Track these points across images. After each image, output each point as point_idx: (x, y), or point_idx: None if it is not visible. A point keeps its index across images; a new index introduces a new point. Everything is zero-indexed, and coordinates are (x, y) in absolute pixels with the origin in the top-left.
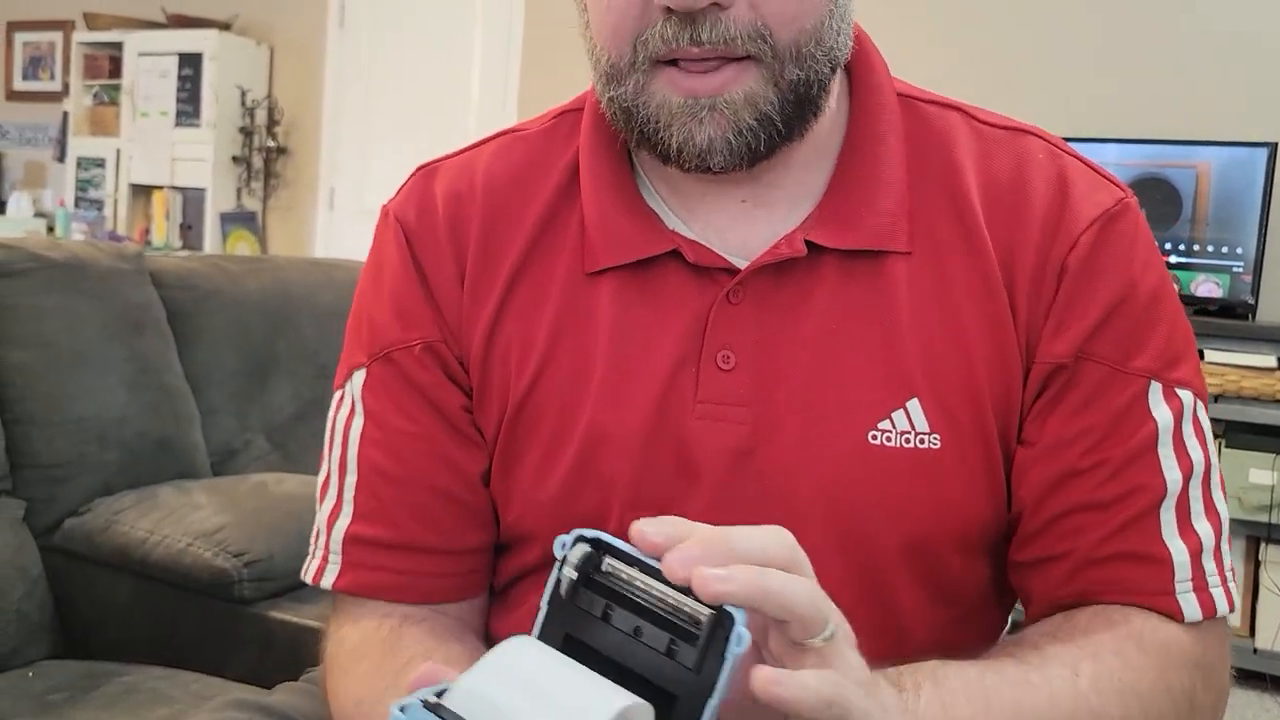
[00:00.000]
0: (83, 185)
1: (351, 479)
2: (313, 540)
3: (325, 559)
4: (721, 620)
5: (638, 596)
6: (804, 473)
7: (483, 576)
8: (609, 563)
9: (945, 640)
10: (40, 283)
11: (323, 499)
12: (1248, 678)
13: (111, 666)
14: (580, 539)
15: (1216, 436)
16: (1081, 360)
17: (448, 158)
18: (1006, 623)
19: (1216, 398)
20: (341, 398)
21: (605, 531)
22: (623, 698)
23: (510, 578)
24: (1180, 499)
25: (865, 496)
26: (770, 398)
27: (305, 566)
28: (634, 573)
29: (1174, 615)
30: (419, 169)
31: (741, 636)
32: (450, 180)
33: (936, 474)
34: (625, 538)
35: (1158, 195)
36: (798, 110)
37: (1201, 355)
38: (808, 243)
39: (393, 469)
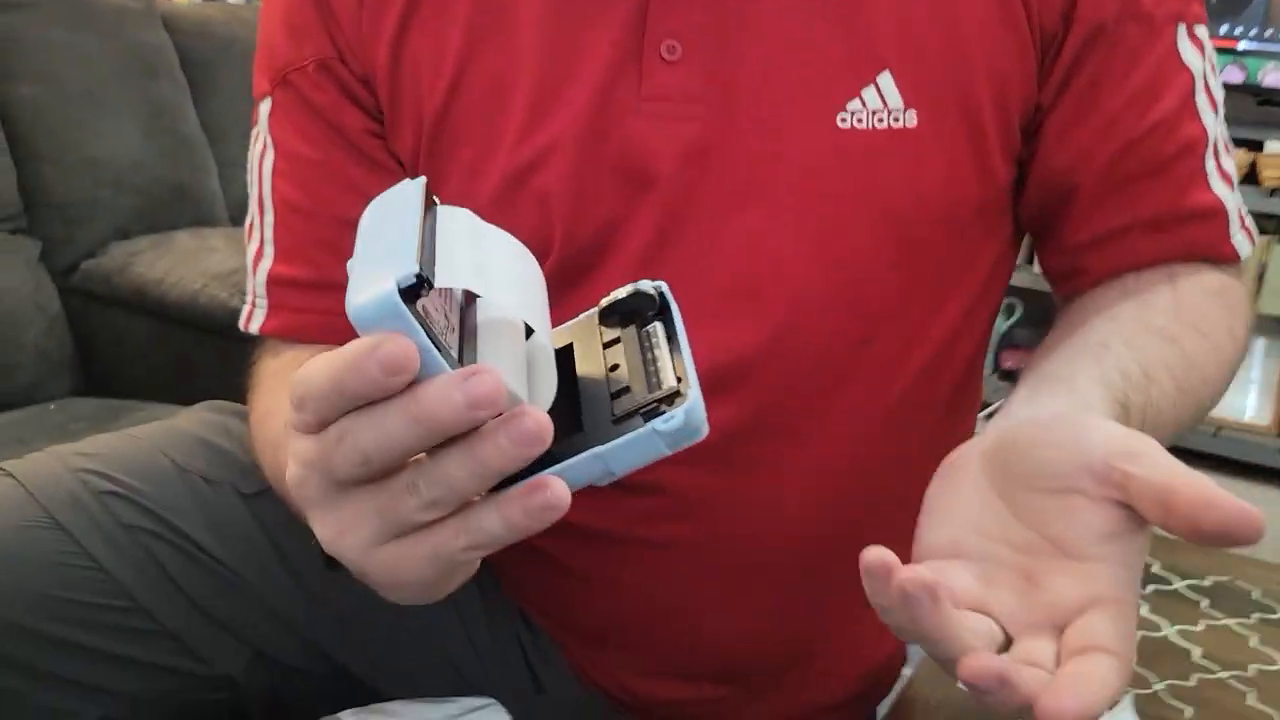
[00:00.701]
0: None
1: (269, 217)
2: (246, 285)
3: (253, 304)
4: (676, 398)
5: (643, 353)
6: (769, 168)
7: None
8: (655, 325)
9: (927, 327)
10: (46, 16)
11: (249, 241)
12: (1275, 477)
13: (131, 403)
14: (655, 289)
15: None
16: (1123, 20)
17: None
18: (997, 307)
19: (1274, 191)
20: (256, 134)
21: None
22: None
23: None
24: (1214, 142)
25: (839, 186)
26: (725, 89)
27: (241, 315)
28: (661, 341)
29: (1232, 260)
30: None
31: (672, 418)
32: None
33: (915, 154)
34: (577, 262)
35: None
36: None
37: (1260, 147)
38: None
39: (302, 201)
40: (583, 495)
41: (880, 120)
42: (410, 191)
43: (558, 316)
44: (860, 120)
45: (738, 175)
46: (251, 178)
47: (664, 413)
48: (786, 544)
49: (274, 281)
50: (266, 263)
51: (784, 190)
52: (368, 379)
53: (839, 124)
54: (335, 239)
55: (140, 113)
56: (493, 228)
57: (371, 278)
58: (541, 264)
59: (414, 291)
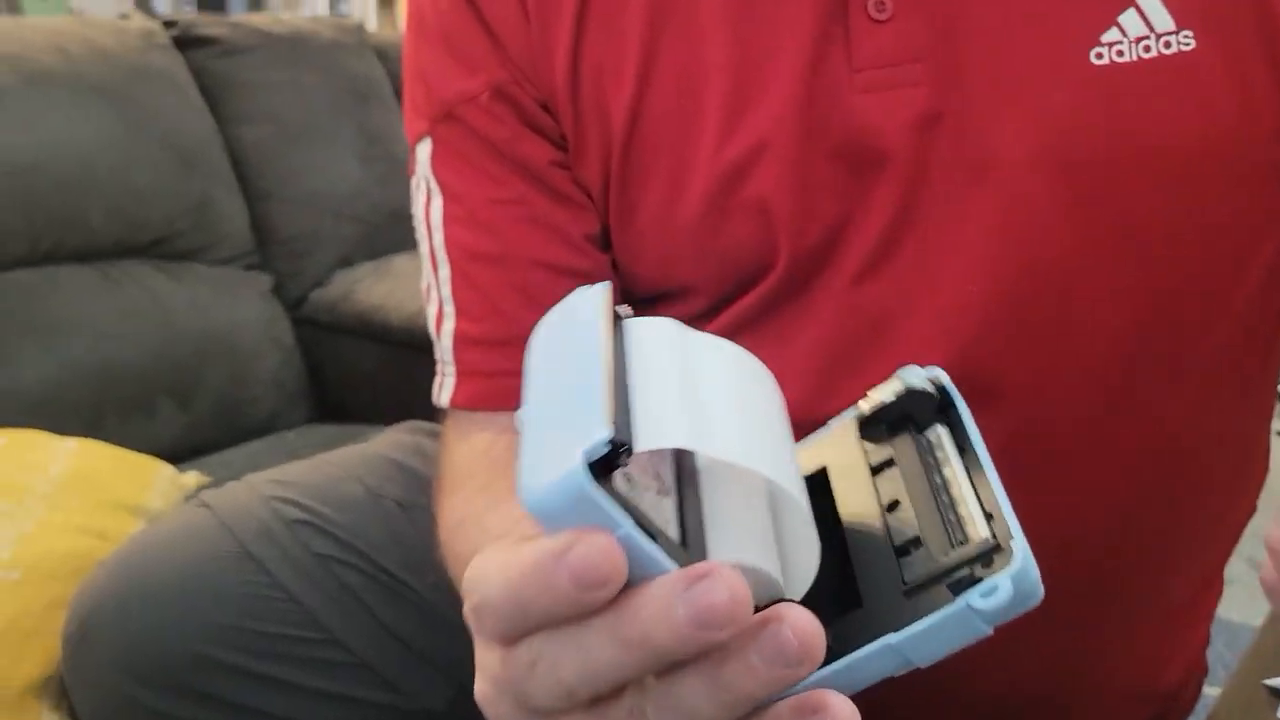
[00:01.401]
0: (334, 1)
1: (445, 271)
2: (436, 358)
3: (442, 371)
4: (994, 554)
5: (929, 477)
6: (1013, 125)
7: None
8: (936, 431)
9: (1228, 300)
10: (265, 58)
11: (428, 304)
12: None
13: (362, 427)
14: (931, 381)
15: None
16: None
17: None
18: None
19: None
20: (417, 182)
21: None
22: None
23: None
24: None
25: (1103, 137)
26: (950, 41)
27: (433, 390)
28: (951, 457)
29: None
30: None
31: (995, 589)
32: None
33: (1197, 83)
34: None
35: None
36: None
37: None
38: None
39: (484, 247)
40: None
41: (1147, 48)
42: (588, 306)
43: (774, 347)
44: (1121, 52)
45: (979, 142)
46: (420, 231)
47: (980, 580)
48: (1066, 569)
49: (461, 342)
50: (450, 323)
51: (1035, 151)
52: (558, 594)
53: (1094, 60)
54: (527, 285)
55: (355, 142)
56: (703, 336)
57: (549, 449)
58: (762, 282)
59: (608, 463)
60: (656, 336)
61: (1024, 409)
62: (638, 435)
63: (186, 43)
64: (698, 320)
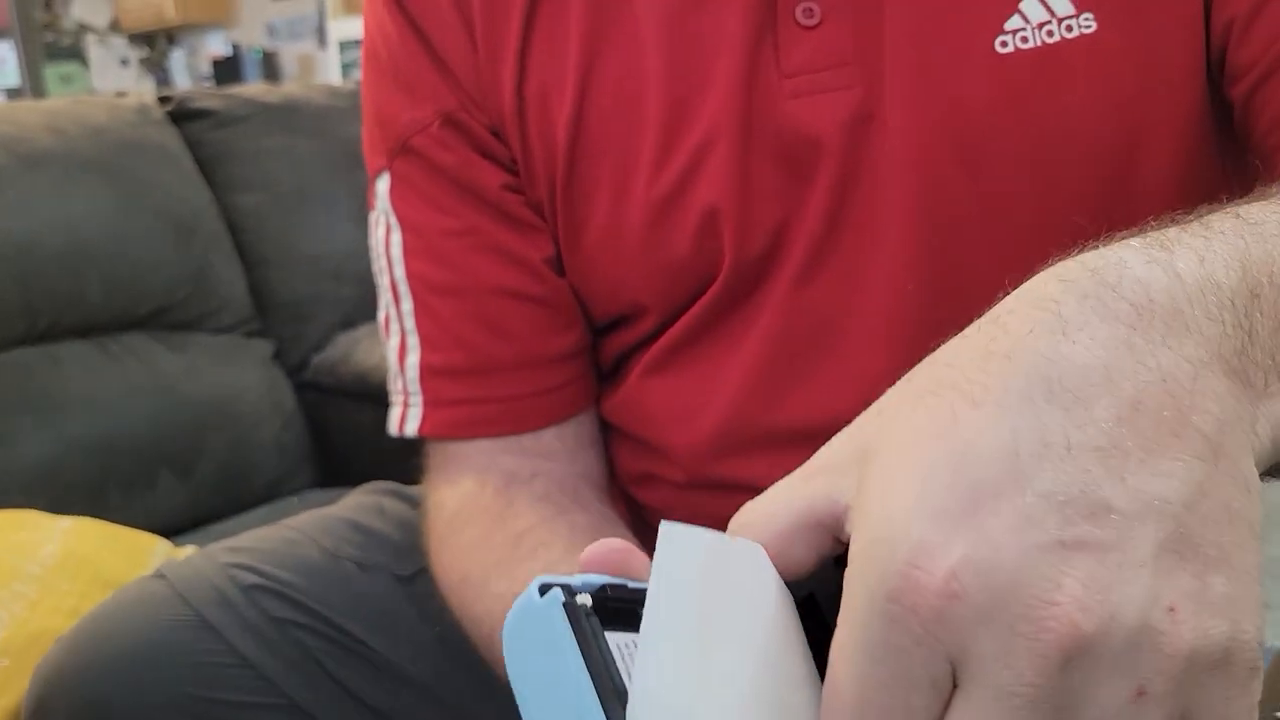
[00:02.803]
0: (347, 68)
1: (407, 304)
2: (390, 385)
3: (406, 402)
4: None
5: None
6: (930, 120)
7: (581, 387)
8: None
9: None
10: (259, 126)
11: (388, 336)
12: None
13: None
14: None
15: None
16: None
17: None
18: None
19: None
20: (375, 217)
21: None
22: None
23: (614, 355)
24: None
25: (1010, 124)
26: (876, 40)
27: (389, 418)
28: None
29: None
30: None
31: None
32: None
33: (1099, 66)
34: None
35: None
36: None
37: None
38: None
39: (443, 278)
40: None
41: (1050, 33)
42: (547, 621)
43: (719, 357)
44: (1025, 39)
45: (902, 139)
46: (379, 265)
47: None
48: None
49: (427, 373)
50: (414, 355)
51: (950, 144)
52: None
53: (999, 49)
54: (488, 314)
55: (351, 205)
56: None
57: None
58: (706, 292)
59: None
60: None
61: None
62: None
63: (181, 116)
64: (646, 342)
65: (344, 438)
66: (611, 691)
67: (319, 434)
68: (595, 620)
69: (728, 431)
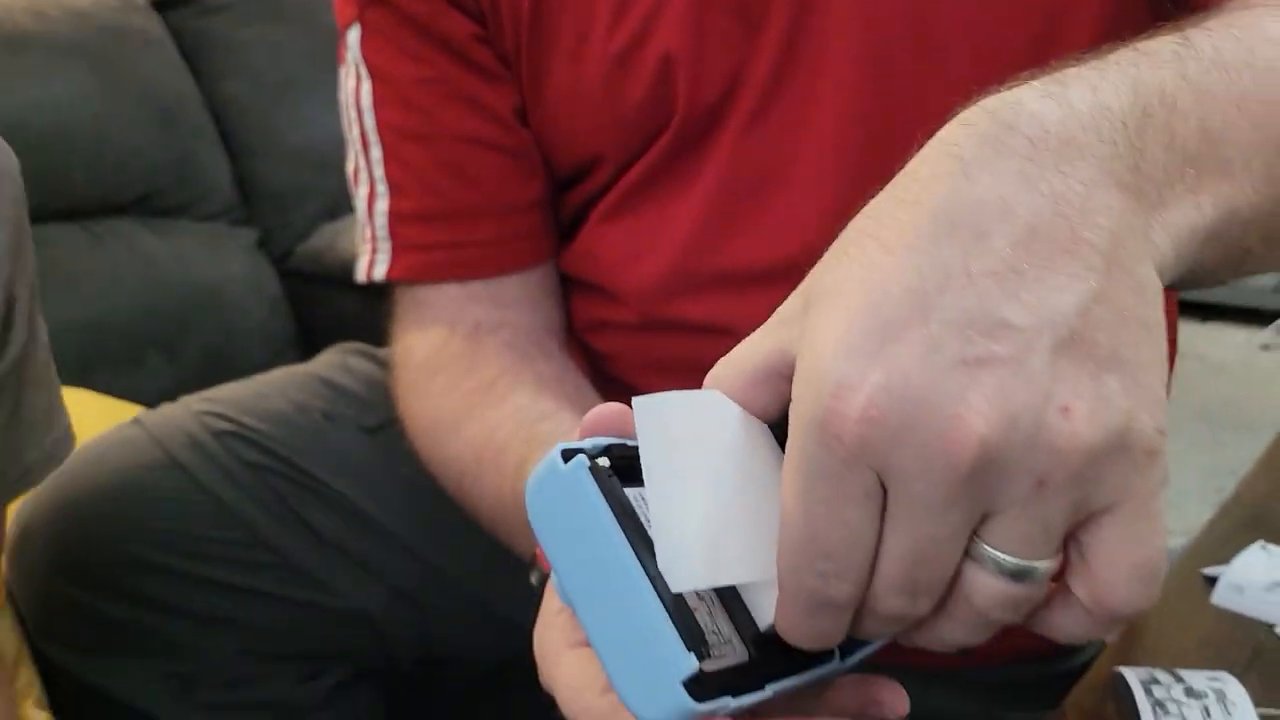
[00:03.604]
0: None
1: (377, 153)
2: (358, 235)
3: (374, 249)
4: None
5: None
6: None
7: (544, 237)
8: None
9: None
10: (240, 15)
11: (356, 186)
12: None
13: None
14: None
15: None
16: None
17: None
18: None
19: None
20: (345, 69)
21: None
22: None
23: (574, 211)
24: None
25: None
26: None
27: (356, 267)
28: None
29: None
30: None
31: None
32: None
33: None
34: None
35: None
36: None
37: None
38: None
39: (413, 125)
40: None
41: None
42: (576, 484)
43: (667, 203)
44: None
45: None
46: (348, 116)
47: None
48: None
49: (396, 219)
50: (383, 203)
51: None
52: None
53: None
54: (456, 161)
55: (334, 95)
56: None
57: (638, 672)
58: (660, 137)
59: (698, 679)
60: (653, 448)
61: None
62: (677, 578)
63: (165, 3)
64: (603, 192)
65: (328, 325)
66: (642, 541)
67: (303, 322)
68: (615, 480)
69: (677, 272)
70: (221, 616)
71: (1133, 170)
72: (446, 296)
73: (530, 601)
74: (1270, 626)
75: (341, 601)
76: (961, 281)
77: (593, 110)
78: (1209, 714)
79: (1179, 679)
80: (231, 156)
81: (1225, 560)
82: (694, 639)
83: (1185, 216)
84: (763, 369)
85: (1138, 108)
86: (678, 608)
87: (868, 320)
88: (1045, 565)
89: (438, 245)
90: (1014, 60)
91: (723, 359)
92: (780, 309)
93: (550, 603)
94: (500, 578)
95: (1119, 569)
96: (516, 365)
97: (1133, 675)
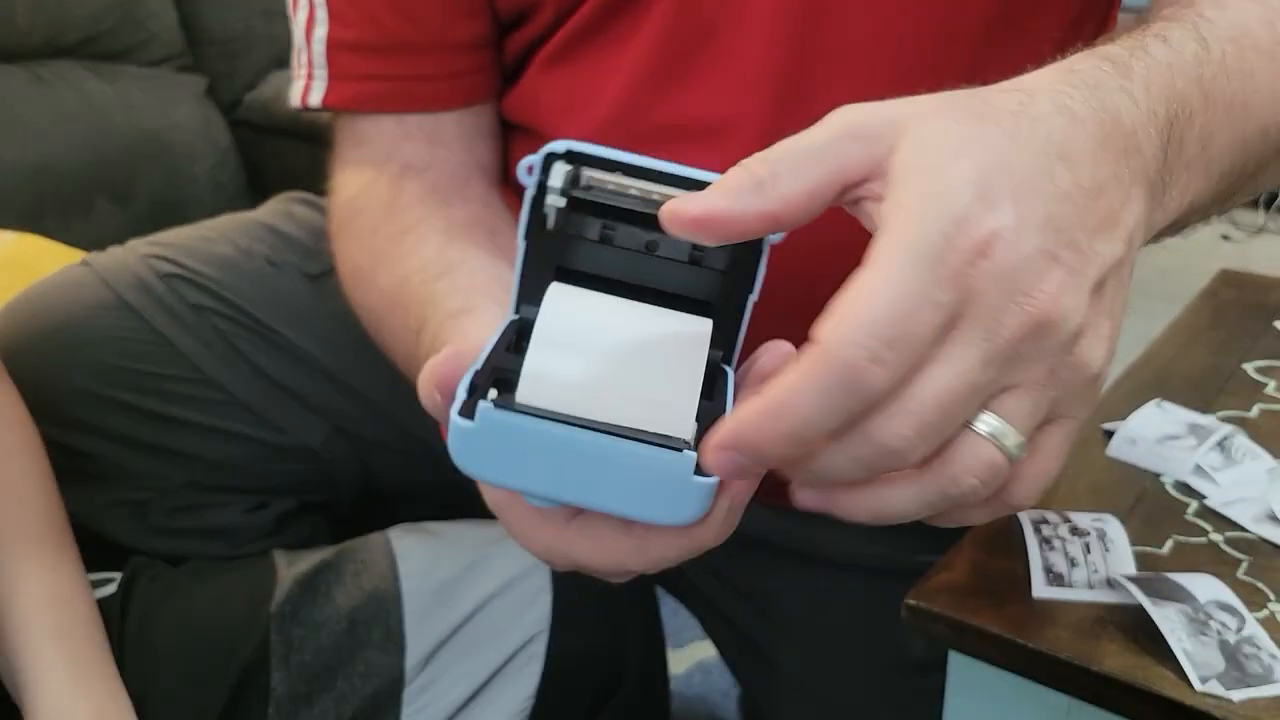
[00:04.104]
0: None
1: None
2: (293, 61)
3: (310, 74)
4: None
5: (639, 206)
6: None
7: (485, 77)
8: (589, 175)
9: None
10: None
11: (294, 11)
12: None
13: None
14: (552, 156)
15: None
16: None
17: None
18: None
19: None
20: None
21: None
22: (692, 330)
23: (515, 54)
24: None
25: None
26: None
27: (290, 92)
28: (627, 180)
29: None
30: None
31: None
32: None
33: None
34: None
35: None
36: None
37: None
38: None
39: None
40: None
41: None
42: (493, 427)
43: (606, 56)
44: None
45: None
46: None
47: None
48: None
49: (335, 46)
50: (322, 29)
51: None
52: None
53: None
54: None
55: None
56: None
57: (644, 499)
58: (578, 7)
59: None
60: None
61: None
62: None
63: None
64: (545, 38)
65: (277, 176)
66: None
67: (253, 172)
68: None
69: (616, 122)
70: (170, 449)
71: (1157, 173)
72: (381, 130)
73: None
74: (1156, 476)
75: (285, 437)
76: (1064, 195)
77: None
78: (1089, 550)
79: (1066, 519)
80: (177, 1)
81: (1124, 417)
82: (676, 442)
83: (1169, 210)
84: (835, 176)
85: (1169, 116)
86: (644, 435)
87: (1000, 176)
88: (1022, 445)
89: (376, 76)
90: None
91: (775, 150)
92: (838, 124)
93: None
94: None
95: (1037, 474)
96: (432, 213)
97: (1024, 515)
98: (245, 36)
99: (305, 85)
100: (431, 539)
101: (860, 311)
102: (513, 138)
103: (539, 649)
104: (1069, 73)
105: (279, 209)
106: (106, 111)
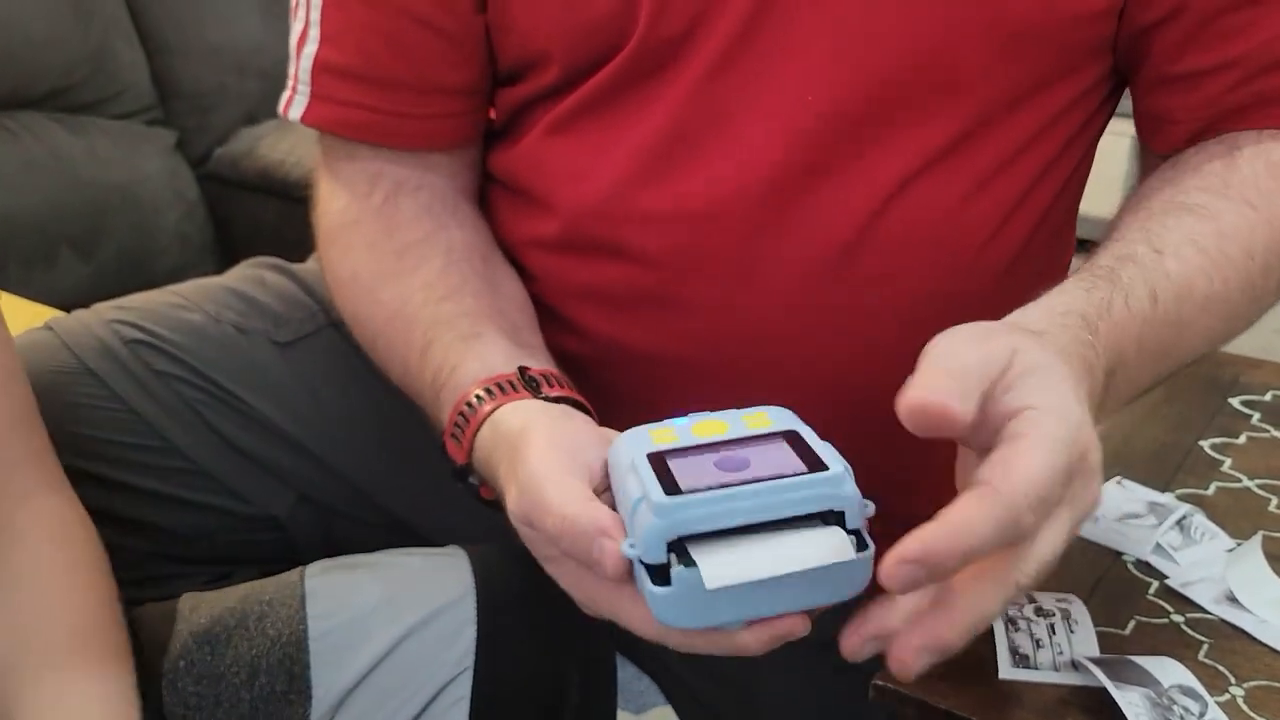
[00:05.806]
0: None
1: None
2: (288, 71)
3: (294, 89)
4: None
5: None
6: None
7: (473, 121)
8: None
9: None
10: None
11: (293, 20)
12: None
13: None
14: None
15: None
16: None
17: None
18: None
19: None
20: None
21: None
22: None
23: (514, 108)
24: None
25: None
26: None
27: (280, 100)
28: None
29: None
30: None
31: (866, 506)
32: None
33: None
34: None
35: None
36: None
37: None
38: None
39: None
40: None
41: None
42: (690, 586)
43: (614, 129)
44: None
45: None
46: None
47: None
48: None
49: (321, 68)
50: (312, 47)
51: None
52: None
53: None
54: (394, 31)
55: None
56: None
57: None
58: (614, 57)
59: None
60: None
61: (841, 207)
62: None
63: None
64: (548, 98)
65: (246, 231)
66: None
67: (221, 226)
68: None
69: (614, 196)
70: (133, 519)
71: (1098, 410)
72: (370, 151)
73: (437, 505)
74: (1118, 555)
75: (250, 507)
76: (1086, 436)
77: (552, 7)
78: (1054, 630)
79: (1031, 599)
80: (148, 53)
81: None
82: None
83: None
84: (982, 367)
85: (1110, 368)
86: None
87: (1089, 418)
88: None
89: (356, 105)
90: (983, 41)
91: (933, 344)
92: (982, 327)
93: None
94: (404, 484)
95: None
96: (431, 234)
97: None
98: (217, 92)
99: (289, 98)
100: (346, 573)
101: (1027, 471)
102: (499, 197)
103: (463, 691)
104: (1089, 358)
105: (249, 274)
106: (73, 163)
